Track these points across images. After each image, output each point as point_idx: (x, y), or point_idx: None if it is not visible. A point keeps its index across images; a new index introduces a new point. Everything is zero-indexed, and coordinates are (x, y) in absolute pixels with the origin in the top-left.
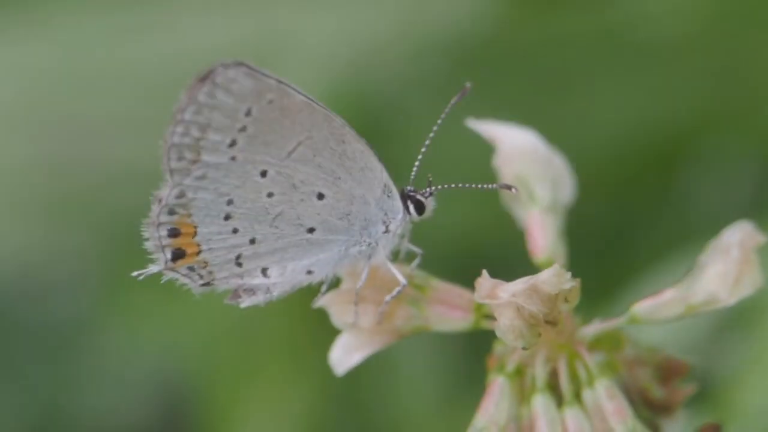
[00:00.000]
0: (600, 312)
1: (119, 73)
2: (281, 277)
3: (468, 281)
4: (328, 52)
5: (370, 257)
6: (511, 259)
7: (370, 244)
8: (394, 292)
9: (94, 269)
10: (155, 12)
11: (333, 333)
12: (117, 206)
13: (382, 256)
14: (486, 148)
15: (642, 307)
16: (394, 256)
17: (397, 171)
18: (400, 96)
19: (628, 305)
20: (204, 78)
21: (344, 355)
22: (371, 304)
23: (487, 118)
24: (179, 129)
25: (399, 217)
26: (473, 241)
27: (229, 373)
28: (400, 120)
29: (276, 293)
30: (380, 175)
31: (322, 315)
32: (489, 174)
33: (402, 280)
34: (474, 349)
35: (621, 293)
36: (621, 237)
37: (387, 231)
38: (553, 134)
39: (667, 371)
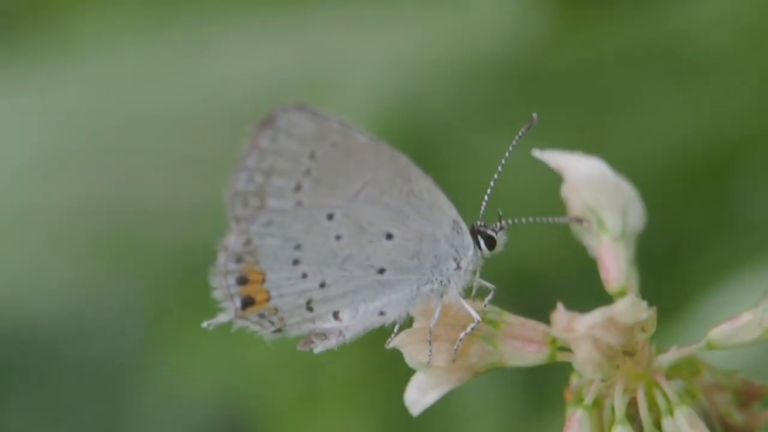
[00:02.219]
0: (663, 332)
1: (161, 110)
2: (353, 320)
3: (531, 312)
4: (375, 81)
5: (442, 295)
6: (575, 287)
7: (441, 281)
8: (468, 329)
9: (143, 310)
10: (198, 46)
11: (391, 367)
12: (163, 245)
13: (454, 293)
14: (548, 175)
15: (719, 331)
16: (466, 293)
17: (453, 199)
18: (449, 122)
19: (696, 326)
20: (265, 123)
21: (420, 395)
22: (445, 343)
23: (541, 138)
24: (243, 176)
25: (470, 253)
26: (537, 271)
27: (288, 410)
28: (451, 146)
29: (349, 336)
30: (449, 211)
31: (379, 347)
32: (554, 201)
33: (476, 316)
34: (534, 380)
35: (684, 312)
36: (678, 253)
37: (458, 268)
38: (604, 151)
39: (746, 395)
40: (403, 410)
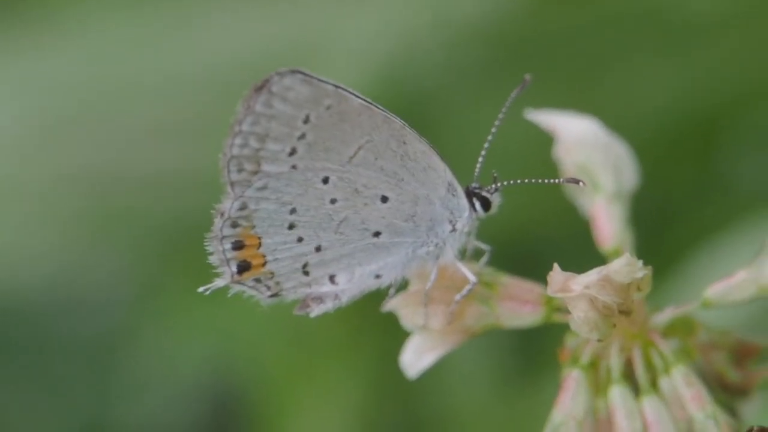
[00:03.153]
0: (652, 293)
1: (151, 80)
2: (349, 283)
3: (525, 274)
4: (365, 48)
5: (438, 257)
6: (568, 249)
7: (437, 244)
8: (464, 291)
9: (133, 279)
10: (188, 15)
11: (380, 328)
12: (153, 215)
13: (450, 255)
14: (536, 138)
15: (714, 290)
16: (461, 254)
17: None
18: (438, 87)
19: (685, 287)
20: (260, 88)
21: (416, 358)
22: (441, 305)
23: (528, 102)
24: (238, 141)
25: (465, 215)
26: (529, 233)
27: (280, 378)
28: (441, 111)
29: (345, 299)
30: (443, 174)
31: (369, 311)
32: (542, 163)
33: (472, 278)
34: (521, 343)
35: (673, 273)
36: (665, 215)
37: (454, 230)
38: (592, 115)
39: (741, 353)
40: (395, 375)
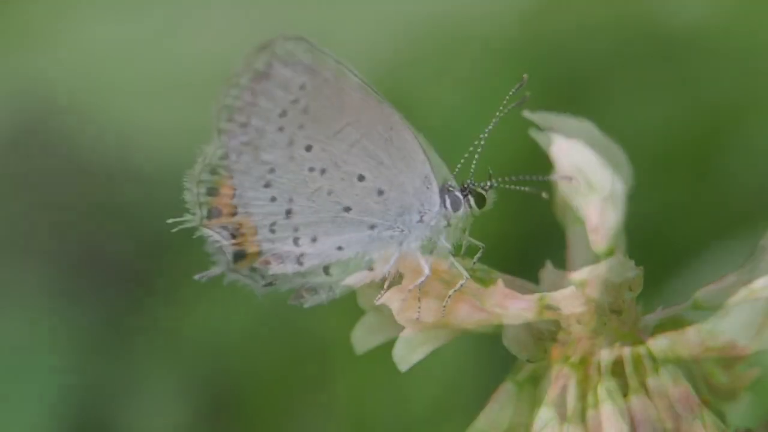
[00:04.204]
0: (647, 297)
1: (155, 73)
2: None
3: (517, 272)
4: (362, 49)
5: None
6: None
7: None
8: (457, 287)
9: (135, 271)
10: (187, 8)
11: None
12: (149, 209)
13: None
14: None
15: (705, 292)
16: (456, 251)
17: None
18: (432, 87)
19: (679, 290)
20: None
21: (408, 352)
22: (434, 299)
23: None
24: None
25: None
26: (522, 232)
27: (273, 375)
28: (436, 115)
29: (338, 291)
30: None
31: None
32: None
33: (464, 273)
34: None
35: (669, 281)
36: (661, 221)
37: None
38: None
39: (730, 356)
40: (385, 372)
